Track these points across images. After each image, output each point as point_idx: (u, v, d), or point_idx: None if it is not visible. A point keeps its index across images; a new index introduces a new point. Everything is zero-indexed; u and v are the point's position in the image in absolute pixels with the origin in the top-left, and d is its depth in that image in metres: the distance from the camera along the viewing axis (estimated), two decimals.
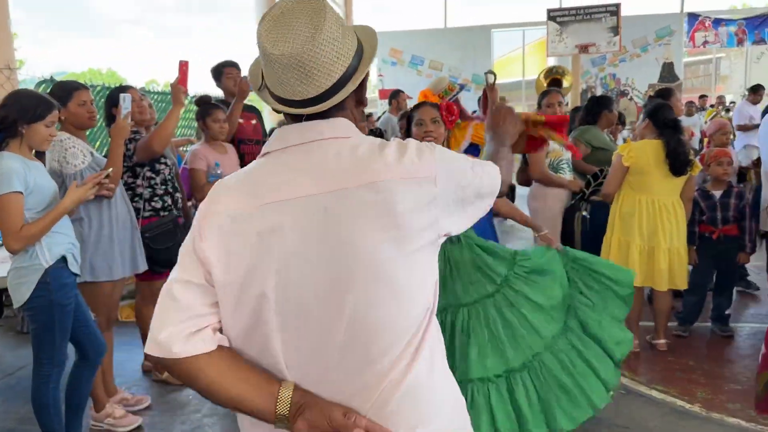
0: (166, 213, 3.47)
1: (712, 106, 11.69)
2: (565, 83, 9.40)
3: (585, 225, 4.62)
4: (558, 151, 4.12)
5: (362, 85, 1.09)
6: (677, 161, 3.64)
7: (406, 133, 2.73)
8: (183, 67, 3.24)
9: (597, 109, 4.66)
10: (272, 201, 1.01)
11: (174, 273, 1.06)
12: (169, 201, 3.50)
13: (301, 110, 1.04)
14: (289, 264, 1.00)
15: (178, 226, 3.50)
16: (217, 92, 5.10)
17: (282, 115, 1.12)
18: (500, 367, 2.30)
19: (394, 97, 6.66)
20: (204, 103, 3.97)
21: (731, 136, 5.28)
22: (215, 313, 1.05)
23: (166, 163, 3.49)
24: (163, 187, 3.47)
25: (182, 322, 1.02)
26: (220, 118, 3.81)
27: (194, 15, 72.36)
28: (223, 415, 3.27)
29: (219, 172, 3.78)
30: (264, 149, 1.11)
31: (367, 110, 13.27)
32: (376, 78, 15.81)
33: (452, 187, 1.08)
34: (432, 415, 1.06)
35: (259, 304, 1.01)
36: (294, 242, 1.00)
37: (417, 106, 2.71)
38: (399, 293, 1.02)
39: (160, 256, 3.39)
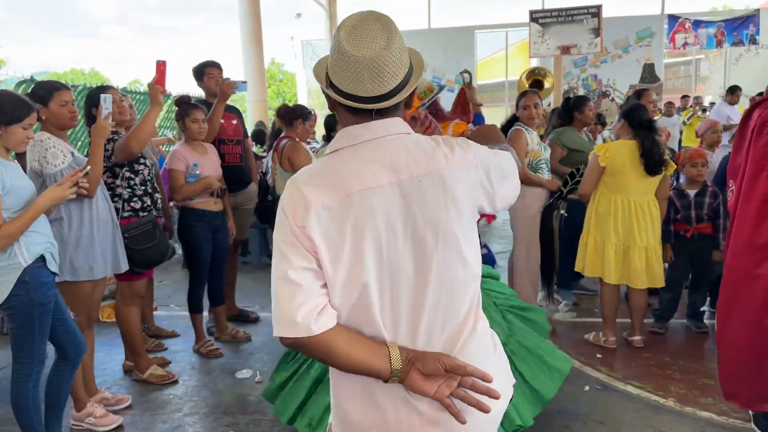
0: (146, 213, 3.47)
1: (691, 106, 11.86)
2: (547, 84, 9.52)
3: (562, 223, 4.71)
4: (537, 151, 4.18)
5: (412, 93, 1.30)
6: (652, 161, 3.71)
7: None
8: (160, 66, 3.25)
9: (570, 110, 4.74)
10: (358, 190, 1.21)
11: (282, 264, 1.21)
12: (149, 201, 3.50)
13: (370, 105, 1.23)
14: (381, 243, 1.22)
15: (158, 227, 3.50)
16: (199, 92, 5.11)
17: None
18: None
19: None
20: (183, 103, 3.97)
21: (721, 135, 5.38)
22: (327, 293, 1.23)
23: (145, 164, 3.49)
24: (143, 187, 3.47)
25: (311, 303, 1.19)
26: (198, 118, 3.82)
27: (178, 15, 71.87)
28: (203, 414, 3.28)
29: (198, 172, 3.79)
30: (333, 147, 1.29)
31: None
32: None
33: (485, 171, 1.32)
34: (489, 354, 1.35)
35: (362, 281, 1.21)
36: (382, 224, 1.22)
37: None
38: (464, 259, 1.28)
39: (140, 257, 3.39)
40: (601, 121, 6.15)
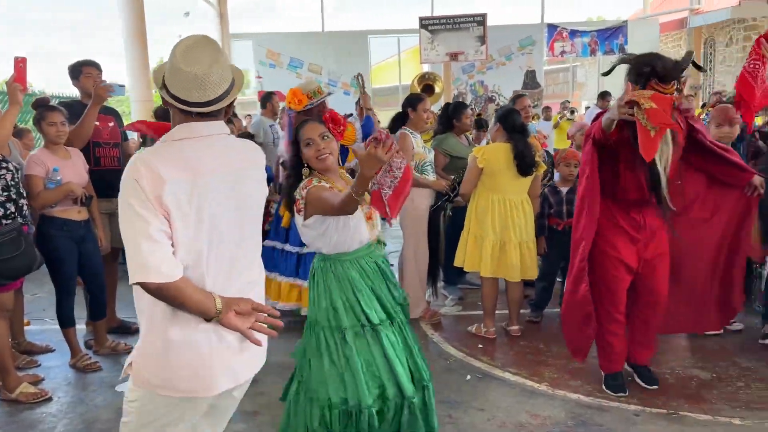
0: (9, 221, 3.25)
1: (559, 111, 12.71)
2: (437, 89, 9.83)
3: (448, 224, 4.91)
4: (422, 154, 4.34)
5: (230, 104, 1.72)
6: (524, 163, 3.96)
7: (296, 159, 2.53)
8: (19, 63, 3.06)
9: (449, 117, 4.94)
10: (202, 173, 1.61)
11: (142, 224, 1.52)
12: (12, 208, 3.27)
13: (195, 109, 1.62)
14: (216, 212, 1.64)
15: (23, 235, 3.28)
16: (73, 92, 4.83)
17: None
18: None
19: (268, 99, 6.61)
20: (39, 106, 3.71)
21: None
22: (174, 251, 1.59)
23: (8, 168, 3.27)
24: (5, 193, 3.24)
25: (168, 254, 1.55)
26: (56, 121, 3.61)
27: (55, 11, 67.16)
28: (79, 431, 3.12)
29: (58, 178, 3.56)
30: (175, 137, 1.64)
31: (246, 112, 13.07)
32: (255, 80, 15.60)
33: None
34: (263, 297, 1.88)
35: (198, 244, 1.61)
36: (218, 198, 1.64)
37: (301, 125, 2.52)
38: (259, 231, 1.85)
39: (4, 267, 3.17)
40: (483, 126, 6.43)
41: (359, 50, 15.82)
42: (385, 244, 2.72)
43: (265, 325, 1.69)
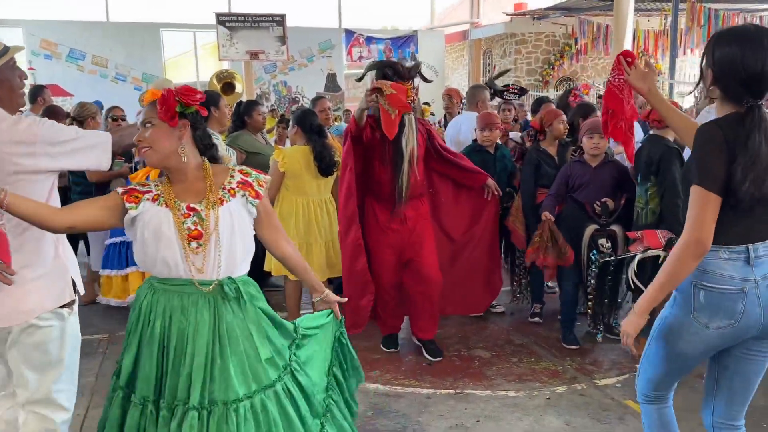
0: None
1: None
2: (238, 88, 9.62)
3: None
4: (227, 157, 4.18)
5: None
6: (323, 163, 4.03)
7: None
8: None
9: (241, 115, 4.91)
10: None
11: None
12: None
13: None
14: None
15: None
16: None
17: None
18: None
19: (38, 93, 5.77)
20: None
21: None
22: None
23: None
24: None
25: None
26: None
27: None
28: None
29: None
30: None
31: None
32: (27, 71, 13.86)
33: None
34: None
35: None
36: None
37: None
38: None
39: None
40: (288, 125, 6.44)
41: (151, 43, 14.86)
42: None
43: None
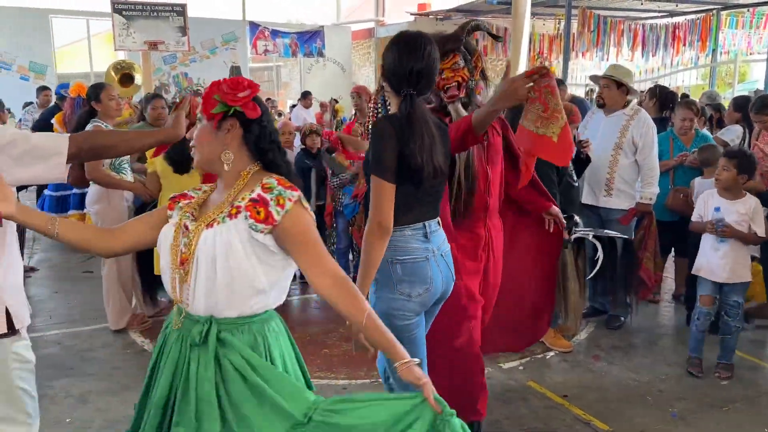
0: None
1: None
2: (137, 79, 9.22)
3: None
4: None
5: None
6: (174, 161, 3.88)
7: None
8: None
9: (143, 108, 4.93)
10: None
11: None
12: None
13: None
14: None
15: None
16: None
17: None
18: None
19: None
20: None
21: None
22: None
23: None
24: None
25: None
26: None
27: None
28: None
29: None
30: None
31: None
32: None
33: None
34: None
35: None
36: None
37: None
38: None
39: None
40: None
41: (40, 30, 13.88)
42: None
43: None
